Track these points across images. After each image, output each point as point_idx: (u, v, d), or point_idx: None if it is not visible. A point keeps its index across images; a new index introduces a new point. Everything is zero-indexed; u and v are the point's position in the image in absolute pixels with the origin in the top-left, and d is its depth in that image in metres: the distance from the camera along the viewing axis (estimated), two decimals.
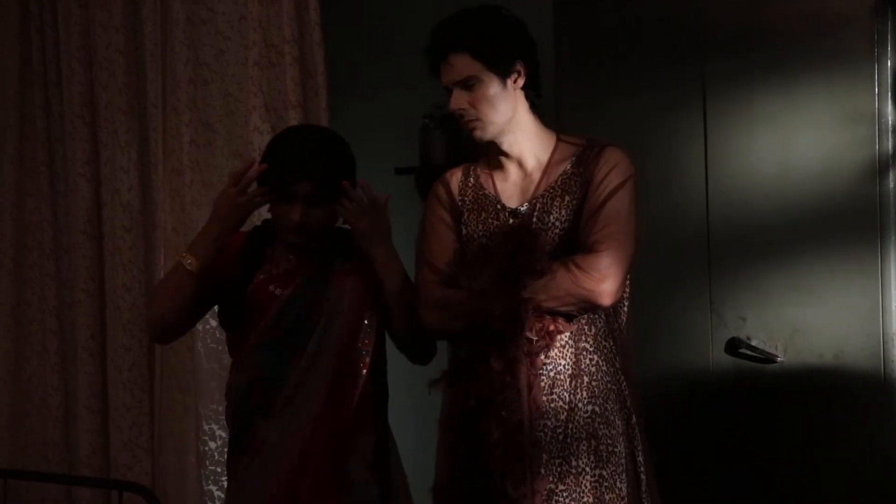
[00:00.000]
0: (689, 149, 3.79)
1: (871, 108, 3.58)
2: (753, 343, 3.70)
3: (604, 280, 2.92)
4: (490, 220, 3.09)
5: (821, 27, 3.63)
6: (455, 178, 3.21)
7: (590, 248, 2.93)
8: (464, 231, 3.13)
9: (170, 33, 4.33)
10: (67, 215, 4.57)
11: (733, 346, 3.72)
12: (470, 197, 3.15)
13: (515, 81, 3.04)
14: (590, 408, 2.97)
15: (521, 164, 3.11)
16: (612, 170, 2.99)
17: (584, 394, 2.97)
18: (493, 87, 3.03)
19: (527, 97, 3.08)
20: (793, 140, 3.68)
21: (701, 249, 3.76)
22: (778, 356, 3.68)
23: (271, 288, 3.17)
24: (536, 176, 3.08)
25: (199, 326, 4.22)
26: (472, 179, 3.18)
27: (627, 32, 3.92)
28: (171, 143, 4.35)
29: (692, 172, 3.78)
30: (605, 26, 3.96)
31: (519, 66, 3.04)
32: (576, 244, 2.97)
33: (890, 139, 3.57)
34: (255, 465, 3.14)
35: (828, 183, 3.64)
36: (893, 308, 3.55)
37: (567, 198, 3.01)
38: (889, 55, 3.56)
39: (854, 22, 3.60)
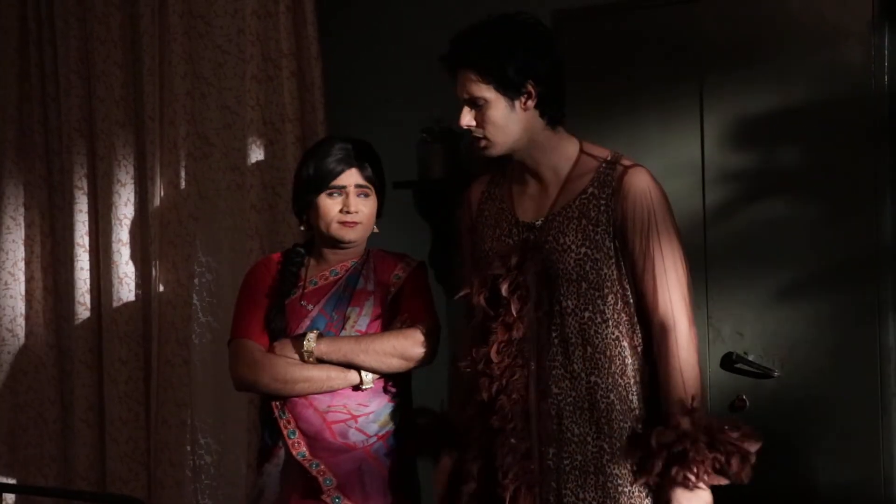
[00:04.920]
0: (686, 162, 3.78)
1: (869, 123, 3.57)
2: (750, 358, 3.69)
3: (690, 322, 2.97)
4: (503, 237, 3.08)
5: (819, 41, 3.62)
6: (477, 190, 3.21)
7: (663, 316, 2.94)
8: (479, 247, 3.13)
9: (168, 47, 4.33)
10: (65, 229, 4.58)
11: (730, 360, 3.71)
12: (488, 210, 3.15)
13: (525, 103, 2.97)
14: (598, 443, 2.95)
15: (538, 177, 3.08)
16: (641, 207, 2.96)
17: (593, 428, 2.96)
18: (501, 108, 2.97)
19: (543, 114, 3.00)
20: (791, 155, 3.66)
21: (698, 264, 3.74)
22: (775, 371, 3.67)
23: (303, 303, 3.35)
24: (554, 190, 3.04)
25: (196, 340, 4.23)
26: (494, 191, 3.16)
27: (625, 46, 3.92)
28: (168, 156, 4.35)
29: (689, 186, 3.76)
30: (603, 41, 3.96)
31: (529, 88, 2.96)
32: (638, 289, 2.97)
33: (888, 153, 3.55)
34: (271, 469, 3.33)
35: (827, 198, 3.62)
36: (891, 323, 3.53)
37: (584, 221, 2.98)
38: (886, 69, 3.55)
39: (852, 36, 3.58)
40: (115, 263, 4.41)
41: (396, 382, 3.34)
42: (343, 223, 3.34)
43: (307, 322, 3.33)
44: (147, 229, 4.41)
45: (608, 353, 2.95)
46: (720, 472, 2.86)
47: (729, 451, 2.84)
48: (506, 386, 2.98)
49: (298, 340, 3.27)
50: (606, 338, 2.96)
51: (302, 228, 3.46)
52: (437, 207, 4.17)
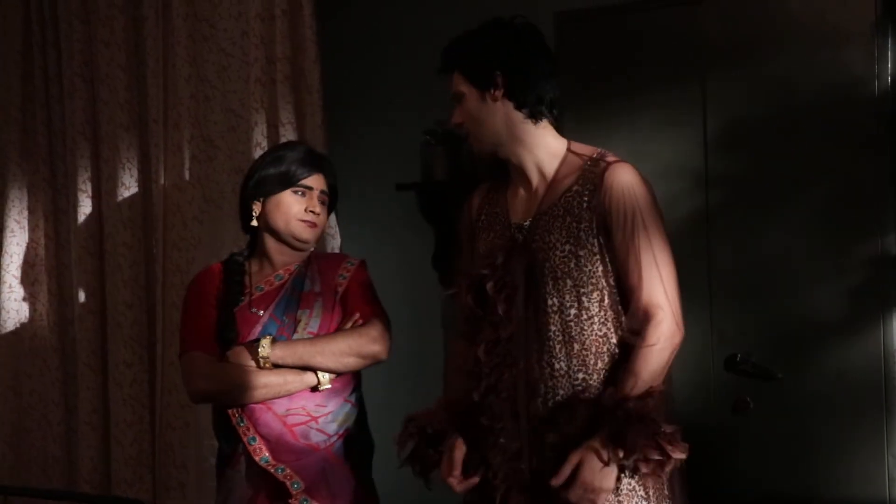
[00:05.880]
0: (688, 163, 3.78)
1: (873, 124, 3.56)
2: (754, 360, 3.68)
3: (680, 320, 2.93)
4: (496, 239, 3.08)
5: (822, 42, 3.62)
6: (478, 196, 3.22)
7: (646, 310, 2.90)
8: (476, 250, 3.14)
9: (171, 50, 4.33)
10: (69, 231, 4.59)
11: (734, 362, 3.70)
12: (486, 214, 3.15)
13: (494, 93, 3.00)
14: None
15: (526, 178, 3.08)
16: (624, 201, 2.94)
17: (582, 426, 2.92)
18: (473, 100, 3.03)
19: (519, 106, 3.01)
20: (794, 156, 3.66)
21: (701, 265, 3.75)
22: (778, 373, 3.66)
23: (253, 309, 3.37)
24: (541, 190, 3.04)
25: None
26: (493, 195, 3.17)
27: (628, 48, 3.92)
28: (172, 159, 4.35)
29: (692, 187, 3.77)
30: (605, 42, 3.96)
31: (497, 78, 2.99)
32: (625, 286, 2.94)
33: (891, 154, 3.55)
34: (235, 476, 3.33)
35: (830, 199, 3.62)
36: (894, 325, 3.53)
37: (568, 218, 2.97)
38: (889, 70, 3.54)
39: (855, 37, 3.58)
40: (118, 267, 4.41)
41: (350, 380, 3.38)
42: (304, 221, 3.39)
43: (259, 328, 3.35)
44: (151, 232, 4.42)
45: (595, 350, 2.94)
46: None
47: (650, 448, 2.80)
48: (494, 385, 2.98)
49: (252, 347, 3.28)
50: (593, 335, 2.94)
51: (254, 223, 3.45)
52: (441, 210, 4.17)
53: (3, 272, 4.67)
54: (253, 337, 3.32)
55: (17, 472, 4.66)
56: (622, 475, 2.86)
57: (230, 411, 3.31)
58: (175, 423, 4.34)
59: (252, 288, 3.41)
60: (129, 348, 4.41)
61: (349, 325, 3.35)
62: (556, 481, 2.83)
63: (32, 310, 4.68)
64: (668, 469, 2.83)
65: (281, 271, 3.44)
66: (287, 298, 3.39)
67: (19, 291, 4.67)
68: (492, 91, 3.00)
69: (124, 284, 4.41)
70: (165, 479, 4.37)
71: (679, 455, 2.82)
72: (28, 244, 4.69)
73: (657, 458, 2.79)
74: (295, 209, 3.39)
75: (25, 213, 4.69)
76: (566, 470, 2.82)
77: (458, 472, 3.03)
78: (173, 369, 4.34)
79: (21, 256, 4.68)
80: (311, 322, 3.35)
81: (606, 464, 2.80)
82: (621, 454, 2.78)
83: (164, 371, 4.35)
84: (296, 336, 3.32)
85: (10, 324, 4.67)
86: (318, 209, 3.41)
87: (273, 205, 3.41)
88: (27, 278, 4.68)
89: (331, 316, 3.37)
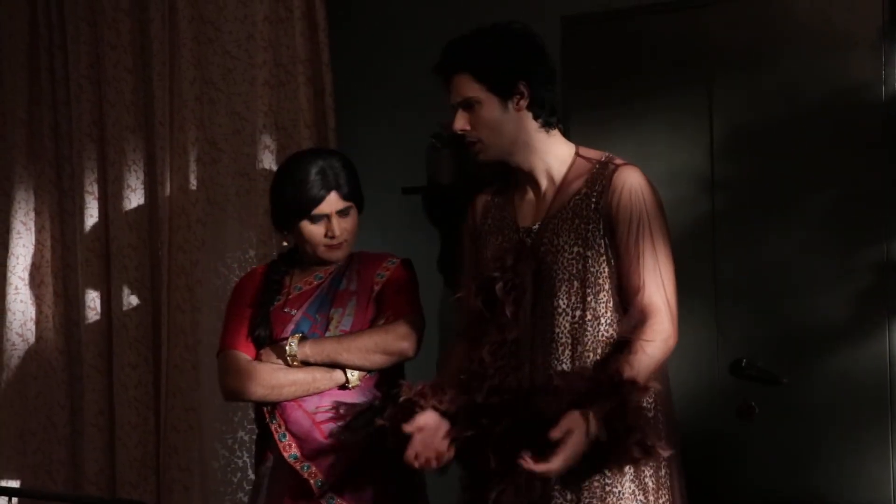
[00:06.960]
0: (695, 168, 3.78)
1: (879, 129, 3.56)
2: (759, 364, 3.68)
3: (676, 326, 2.92)
4: (504, 243, 3.07)
5: (828, 47, 3.62)
6: (482, 200, 3.22)
7: (644, 307, 2.90)
8: (482, 254, 3.13)
9: (177, 52, 4.34)
10: (75, 233, 4.59)
11: (739, 367, 3.70)
12: (492, 218, 3.15)
13: (518, 103, 3.01)
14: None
15: (535, 182, 3.09)
16: (631, 203, 2.94)
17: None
18: (494, 109, 3.01)
19: (536, 116, 3.03)
20: (800, 161, 3.66)
21: (706, 270, 3.75)
22: (783, 378, 3.66)
23: (287, 309, 3.37)
24: (550, 195, 3.05)
25: (204, 340, 4.23)
26: (498, 199, 3.17)
27: (634, 52, 3.92)
28: (177, 160, 4.36)
29: (698, 192, 3.76)
30: (612, 46, 3.96)
31: (522, 88, 3.00)
32: (625, 288, 2.94)
33: None
34: (264, 471, 3.36)
35: (836, 204, 3.62)
36: None
37: (577, 221, 2.98)
38: None
39: (862, 42, 3.58)
40: (124, 268, 4.41)
41: (387, 379, 3.34)
42: (329, 246, 3.37)
43: (291, 326, 3.35)
44: (156, 234, 4.42)
45: (598, 352, 2.93)
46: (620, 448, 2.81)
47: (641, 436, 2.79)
48: (498, 386, 2.97)
49: (281, 345, 3.29)
50: (599, 336, 2.94)
51: (285, 244, 3.49)
52: (446, 213, 4.17)
53: (9, 274, 4.67)
54: (285, 335, 3.32)
55: (22, 475, 4.66)
56: (621, 477, 2.88)
57: (264, 409, 3.33)
58: (179, 426, 4.34)
59: (291, 288, 3.42)
60: (135, 350, 4.42)
61: (380, 322, 3.34)
62: (554, 435, 2.76)
63: (38, 312, 4.68)
64: (656, 460, 2.85)
65: (321, 272, 3.44)
66: (322, 297, 3.39)
67: (25, 293, 4.68)
68: (516, 100, 3.00)
69: (130, 286, 4.42)
70: (169, 482, 4.38)
71: (666, 452, 2.82)
72: (34, 246, 4.69)
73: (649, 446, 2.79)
74: (316, 238, 3.36)
75: (32, 214, 4.69)
76: (560, 431, 2.76)
77: (412, 426, 2.99)
78: (178, 372, 4.35)
79: (27, 258, 4.69)
80: (343, 320, 3.35)
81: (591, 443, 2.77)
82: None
83: (168, 373, 4.36)
84: (328, 334, 3.33)
85: (16, 325, 4.67)
86: (337, 231, 3.35)
87: (297, 234, 3.39)
88: (33, 280, 4.68)
89: (364, 314, 3.36)
